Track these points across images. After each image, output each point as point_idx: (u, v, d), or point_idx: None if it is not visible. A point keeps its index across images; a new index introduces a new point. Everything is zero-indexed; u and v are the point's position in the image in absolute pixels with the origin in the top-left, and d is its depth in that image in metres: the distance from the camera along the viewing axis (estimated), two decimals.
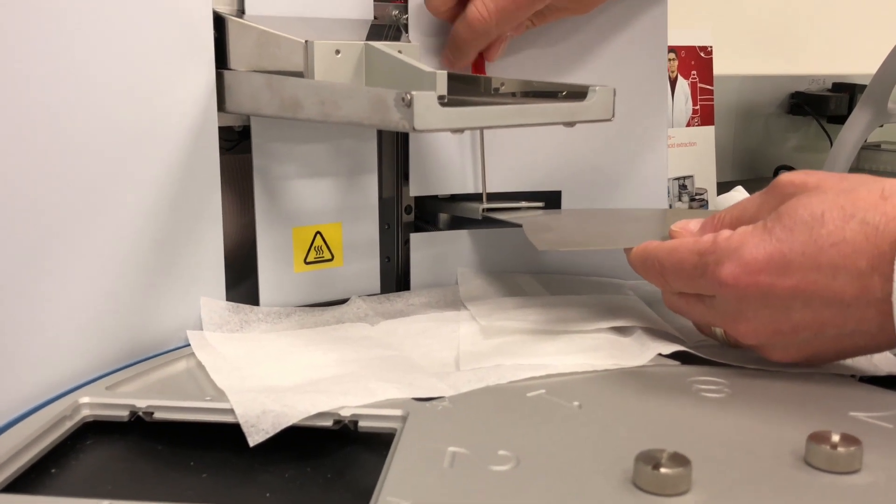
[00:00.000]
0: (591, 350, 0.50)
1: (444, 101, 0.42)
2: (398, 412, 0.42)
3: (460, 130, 0.43)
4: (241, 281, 0.57)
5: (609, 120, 0.49)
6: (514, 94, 0.57)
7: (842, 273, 0.42)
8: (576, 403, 0.43)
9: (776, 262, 0.43)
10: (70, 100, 0.46)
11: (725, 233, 0.46)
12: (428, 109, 0.41)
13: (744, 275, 0.44)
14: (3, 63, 0.43)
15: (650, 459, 0.35)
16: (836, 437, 0.37)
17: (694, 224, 0.51)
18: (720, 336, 0.49)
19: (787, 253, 0.43)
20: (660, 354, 0.49)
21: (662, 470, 0.34)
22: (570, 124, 0.48)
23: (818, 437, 0.37)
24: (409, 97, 0.41)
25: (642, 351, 0.50)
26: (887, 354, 0.49)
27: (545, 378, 0.46)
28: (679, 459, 0.35)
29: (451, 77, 0.48)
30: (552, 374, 0.47)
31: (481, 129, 0.43)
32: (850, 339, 0.44)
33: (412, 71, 0.46)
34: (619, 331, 0.53)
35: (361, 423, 0.42)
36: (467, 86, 0.57)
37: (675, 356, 0.50)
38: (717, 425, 0.41)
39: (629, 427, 0.41)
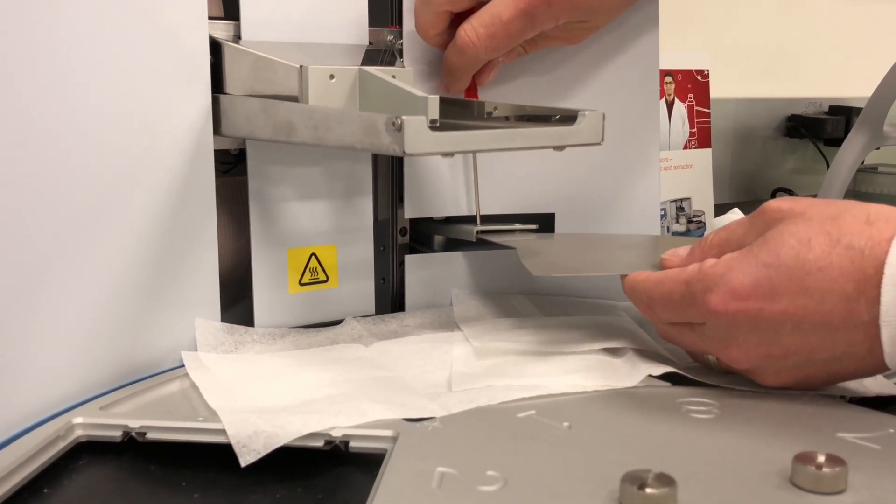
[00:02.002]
0: (582, 371, 0.50)
1: (435, 126, 0.43)
2: (389, 433, 0.42)
3: (450, 154, 0.44)
4: (236, 302, 0.58)
5: (598, 144, 0.50)
6: (507, 118, 0.58)
7: (829, 297, 0.43)
8: (565, 424, 0.44)
9: (764, 286, 0.44)
10: (67, 123, 0.46)
11: (710, 261, 0.46)
12: (418, 133, 0.42)
13: (732, 301, 0.44)
14: (0, 87, 0.44)
15: (636, 480, 0.35)
16: (821, 458, 0.37)
17: (683, 251, 0.51)
18: (713, 363, 0.49)
19: (774, 278, 0.44)
20: (650, 376, 0.50)
21: (648, 490, 0.34)
22: (560, 148, 0.48)
23: (804, 458, 0.37)
24: (399, 121, 0.41)
25: (633, 372, 0.50)
26: (876, 376, 0.49)
27: (536, 399, 0.47)
28: (664, 479, 0.35)
29: (443, 101, 0.49)
30: (543, 395, 0.47)
31: (471, 152, 0.43)
32: (840, 362, 0.45)
33: (405, 95, 0.47)
34: (611, 352, 0.53)
35: (352, 444, 0.42)
36: (460, 110, 0.58)
37: (665, 377, 0.50)
38: (705, 445, 0.42)
39: (617, 448, 0.42)
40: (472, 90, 0.61)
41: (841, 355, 0.44)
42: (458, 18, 0.57)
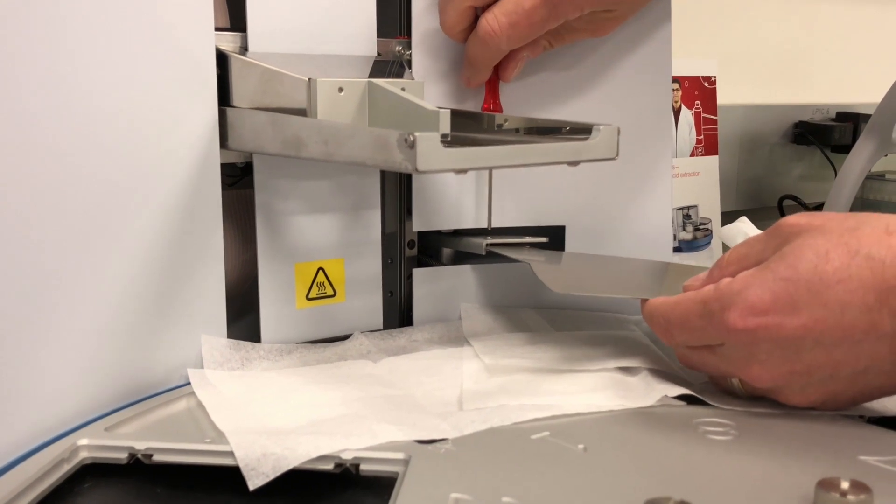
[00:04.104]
0: (596, 390, 0.50)
1: (447, 141, 0.42)
2: (400, 455, 0.41)
3: (463, 171, 0.43)
4: (242, 317, 0.57)
5: (613, 158, 0.49)
6: (517, 131, 0.57)
7: (850, 309, 0.42)
8: (581, 446, 0.43)
9: (783, 301, 0.43)
10: (71, 136, 0.46)
11: (726, 280, 0.46)
12: (431, 150, 0.41)
13: (751, 317, 0.44)
14: (6, 101, 0.43)
15: None
16: (845, 485, 0.36)
17: (704, 275, 0.50)
18: (737, 387, 0.48)
19: (793, 292, 0.43)
20: (666, 396, 0.49)
21: None
22: (575, 164, 0.47)
23: (827, 485, 0.36)
24: (411, 138, 0.41)
25: (648, 392, 0.49)
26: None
27: (550, 419, 0.46)
28: None
29: (454, 114, 0.48)
30: (557, 416, 0.46)
31: (485, 169, 0.43)
32: (865, 377, 0.44)
33: (415, 109, 0.46)
34: (625, 371, 0.52)
35: (363, 467, 0.41)
36: (470, 122, 0.57)
37: (681, 396, 0.49)
38: (724, 469, 0.41)
39: (635, 472, 0.41)
40: (494, 90, 0.60)
41: (865, 369, 0.43)
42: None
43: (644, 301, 0.50)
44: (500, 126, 0.56)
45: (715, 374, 0.49)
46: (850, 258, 0.42)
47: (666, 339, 0.49)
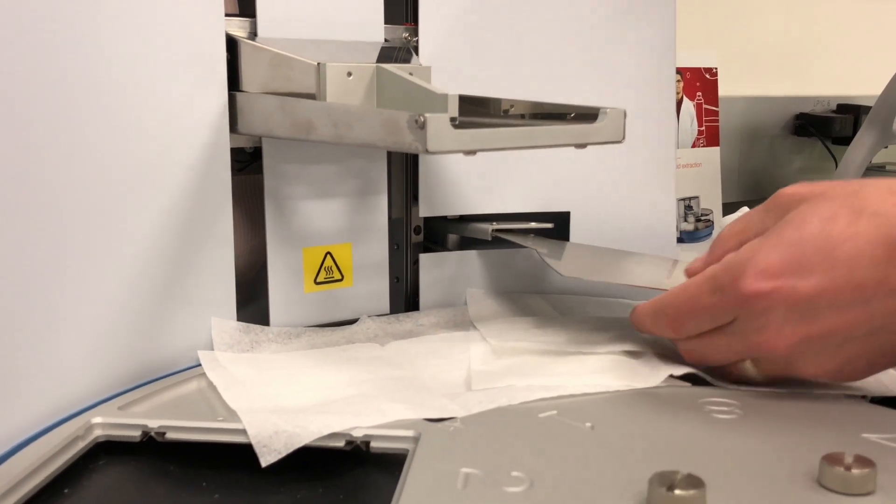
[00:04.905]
0: (602, 371, 0.50)
1: (455, 123, 0.43)
2: (410, 433, 0.42)
3: (472, 152, 0.43)
4: (252, 301, 0.57)
5: (620, 142, 0.50)
6: (522, 116, 0.57)
7: (859, 265, 0.42)
8: (588, 424, 0.43)
9: (794, 264, 0.43)
10: (81, 121, 0.46)
11: (731, 254, 0.46)
12: (441, 131, 0.41)
13: (764, 281, 0.43)
14: (12, 88, 0.44)
15: (665, 481, 0.34)
16: (850, 459, 0.36)
17: (702, 257, 0.50)
18: (751, 371, 0.47)
19: (801, 254, 0.43)
20: (671, 376, 0.49)
21: (677, 492, 0.34)
22: (582, 146, 0.48)
23: (832, 459, 0.37)
24: (422, 119, 0.41)
25: (654, 372, 0.50)
26: None
27: (556, 399, 0.46)
28: (693, 481, 0.34)
29: (460, 99, 0.48)
30: (564, 396, 0.47)
31: (493, 150, 0.43)
32: (878, 338, 0.43)
33: (424, 93, 0.47)
34: (631, 353, 0.53)
35: (373, 444, 0.42)
36: (477, 108, 0.58)
37: (686, 377, 0.49)
38: (730, 446, 0.41)
39: (642, 448, 0.41)
40: None
41: (879, 328, 0.43)
42: None
43: (640, 305, 0.50)
44: (506, 111, 0.56)
45: (727, 362, 0.48)
46: (855, 217, 0.42)
47: (670, 330, 0.48)
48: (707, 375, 0.49)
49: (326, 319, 0.59)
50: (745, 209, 1.13)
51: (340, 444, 0.41)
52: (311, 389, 0.48)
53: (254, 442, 0.40)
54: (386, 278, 0.62)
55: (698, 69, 1.10)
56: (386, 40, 0.59)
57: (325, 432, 0.41)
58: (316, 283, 0.58)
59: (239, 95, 0.52)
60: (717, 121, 1.11)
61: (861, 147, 1.07)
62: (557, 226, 0.65)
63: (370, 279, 0.61)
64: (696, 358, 0.49)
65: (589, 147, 0.50)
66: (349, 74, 0.49)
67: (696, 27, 1.26)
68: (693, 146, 1.10)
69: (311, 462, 0.41)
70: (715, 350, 0.47)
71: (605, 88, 0.65)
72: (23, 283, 0.44)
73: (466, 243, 0.65)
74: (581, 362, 0.51)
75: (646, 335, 0.55)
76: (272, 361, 0.52)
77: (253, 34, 0.54)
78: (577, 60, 0.64)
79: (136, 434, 0.43)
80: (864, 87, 1.34)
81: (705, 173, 1.11)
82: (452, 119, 0.43)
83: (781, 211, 0.46)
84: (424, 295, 0.64)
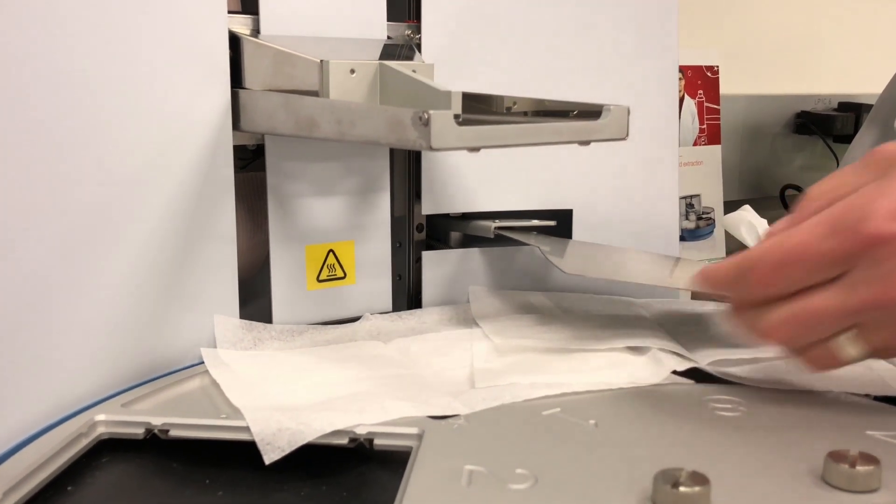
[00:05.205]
0: (605, 368, 0.50)
1: (459, 120, 0.43)
2: (414, 430, 0.42)
3: (476, 149, 0.43)
4: (254, 298, 0.57)
5: (624, 139, 0.49)
6: (525, 113, 0.57)
7: None
8: (592, 422, 0.43)
9: None
10: (84, 119, 0.46)
11: (849, 197, 0.41)
12: (445, 128, 0.41)
13: (894, 222, 0.39)
14: (15, 86, 0.43)
15: (669, 478, 0.34)
16: (854, 456, 0.36)
17: (786, 219, 0.44)
18: (850, 349, 0.41)
19: None
20: (674, 372, 0.49)
21: (682, 489, 0.34)
22: (586, 143, 0.48)
23: (837, 456, 0.37)
24: (426, 116, 0.41)
25: (657, 369, 0.50)
26: None
27: (560, 396, 0.46)
28: (698, 478, 0.34)
29: (464, 97, 0.48)
30: (567, 393, 0.47)
31: (497, 147, 0.43)
32: None
33: (427, 90, 0.47)
34: (633, 350, 0.53)
35: (377, 442, 0.42)
36: (480, 105, 0.58)
37: (689, 375, 0.49)
38: (734, 444, 0.41)
39: (646, 446, 0.41)
40: None
41: None
42: None
43: (713, 264, 0.45)
44: (508, 109, 0.56)
45: (828, 332, 0.41)
46: None
47: (767, 287, 0.42)
48: (710, 369, 0.49)
49: (329, 317, 0.59)
50: (747, 207, 1.13)
51: (344, 441, 0.41)
52: (315, 387, 0.48)
53: (257, 439, 0.40)
54: (388, 276, 0.61)
55: (700, 67, 1.10)
56: (389, 37, 0.59)
57: (329, 430, 0.41)
58: (318, 280, 0.58)
59: (242, 93, 0.52)
60: (718, 119, 1.11)
61: (862, 145, 1.06)
62: (560, 223, 0.65)
63: (373, 277, 0.61)
64: (791, 330, 0.42)
65: (591, 145, 0.50)
66: (352, 72, 0.49)
67: (698, 25, 1.26)
68: (694, 144, 1.10)
69: (314, 460, 0.41)
70: (818, 313, 0.41)
71: (607, 86, 0.65)
72: (26, 281, 0.44)
73: (469, 241, 0.65)
74: (584, 360, 0.51)
75: (646, 332, 0.55)
76: (275, 359, 0.52)
77: (256, 31, 0.54)
78: (579, 58, 0.64)
79: (139, 431, 0.43)
80: (865, 85, 1.34)
81: (707, 171, 1.11)
82: (456, 116, 0.43)
83: (881, 166, 0.42)
84: (427, 292, 0.64)
